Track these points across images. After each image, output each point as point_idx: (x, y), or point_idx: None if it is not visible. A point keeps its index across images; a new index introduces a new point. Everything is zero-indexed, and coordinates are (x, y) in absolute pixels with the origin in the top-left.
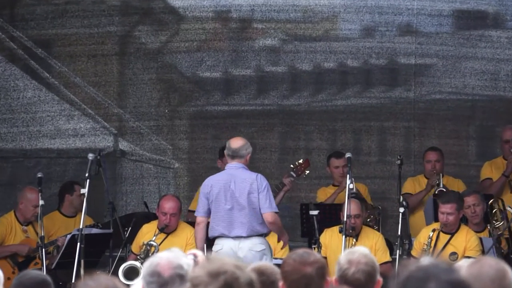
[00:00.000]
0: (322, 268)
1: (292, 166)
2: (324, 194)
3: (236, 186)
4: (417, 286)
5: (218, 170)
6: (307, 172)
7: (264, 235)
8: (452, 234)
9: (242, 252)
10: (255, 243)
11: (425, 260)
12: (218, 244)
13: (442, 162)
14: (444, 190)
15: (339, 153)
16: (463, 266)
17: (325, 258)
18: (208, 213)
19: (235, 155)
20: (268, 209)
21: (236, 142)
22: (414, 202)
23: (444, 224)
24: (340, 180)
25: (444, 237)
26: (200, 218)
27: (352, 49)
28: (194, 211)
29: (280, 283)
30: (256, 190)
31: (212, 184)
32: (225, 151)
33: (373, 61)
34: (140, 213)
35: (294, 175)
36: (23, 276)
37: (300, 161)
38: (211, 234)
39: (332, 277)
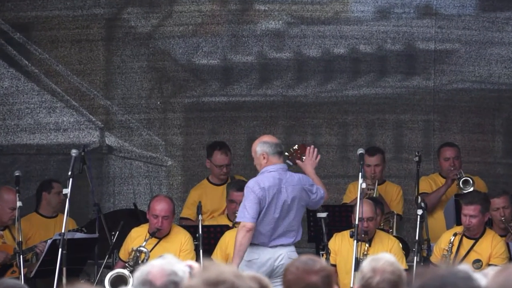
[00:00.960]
0: (329, 276)
1: (287, 154)
2: (354, 191)
3: (289, 193)
4: None
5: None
6: (304, 158)
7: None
8: (476, 240)
9: (282, 259)
10: (292, 251)
11: (442, 268)
12: (254, 253)
13: (461, 158)
14: (470, 179)
15: (373, 150)
16: (488, 274)
17: (335, 265)
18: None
19: (283, 149)
20: (323, 196)
21: (274, 138)
22: (433, 200)
23: (467, 227)
24: (372, 180)
25: (467, 243)
26: (251, 224)
27: (365, 33)
28: (186, 219)
29: None
30: (307, 196)
31: (266, 188)
32: (269, 151)
33: (388, 47)
34: (124, 210)
35: (291, 163)
36: None
37: (295, 147)
38: (252, 241)
39: (342, 286)
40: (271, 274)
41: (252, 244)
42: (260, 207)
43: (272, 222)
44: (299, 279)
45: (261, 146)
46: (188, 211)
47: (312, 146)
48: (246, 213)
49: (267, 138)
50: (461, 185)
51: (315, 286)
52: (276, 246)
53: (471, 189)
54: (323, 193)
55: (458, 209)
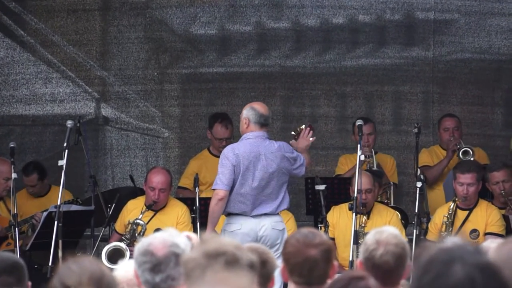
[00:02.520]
0: (329, 251)
1: (293, 133)
2: (345, 163)
3: (268, 161)
4: (441, 269)
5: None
6: (311, 139)
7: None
8: (471, 210)
9: (265, 230)
10: (277, 221)
11: (449, 241)
12: (236, 224)
13: (461, 130)
14: (470, 149)
15: (364, 119)
16: (490, 247)
17: (333, 239)
18: (232, 186)
19: (267, 122)
20: (304, 165)
21: (265, 108)
22: (435, 173)
23: (464, 196)
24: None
25: (462, 214)
26: (224, 192)
27: (364, 3)
28: (184, 188)
29: (281, 265)
30: (289, 164)
31: (240, 155)
32: (251, 118)
33: (387, 17)
34: (125, 188)
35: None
36: None
37: (302, 126)
38: (230, 210)
39: (340, 260)
40: None
41: (234, 214)
42: (234, 174)
43: (252, 191)
44: (298, 252)
45: (247, 111)
46: (186, 181)
47: (308, 129)
48: (218, 180)
49: (256, 105)
50: (460, 156)
51: (314, 259)
52: (259, 215)
53: (472, 159)
54: (303, 159)
55: None
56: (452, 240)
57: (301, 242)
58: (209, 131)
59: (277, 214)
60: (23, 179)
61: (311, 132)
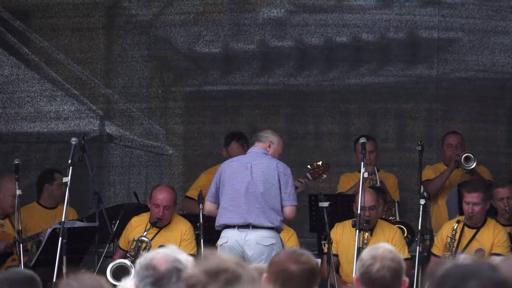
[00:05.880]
0: (311, 271)
1: (309, 166)
2: (347, 182)
3: (253, 167)
4: (456, 285)
5: (217, 157)
6: (325, 176)
7: (275, 229)
8: (478, 229)
9: (249, 246)
10: (264, 236)
11: (464, 258)
12: (223, 237)
13: (464, 147)
14: (471, 155)
15: (367, 137)
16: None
17: (336, 255)
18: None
19: (256, 139)
20: (290, 202)
21: (264, 130)
22: (437, 185)
23: (470, 216)
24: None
25: (469, 232)
26: (208, 201)
27: (367, 21)
28: (191, 198)
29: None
30: (276, 179)
31: (224, 165)
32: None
33: (391, 35)
34: (129, 204)
35: (310, 177)
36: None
37: (319, 163)
38: (220, 222)
39: (343, 276)
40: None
41: (226, 226)
42: (219, 184)
43: (234, 198)
44: (280, 262)
45: None
46: (194, 192)
47: None
48: (208, 191)
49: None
50: (463, 162)
51: (290, 273)
52: (246, 228)
53: (474, 165)
54: (291, 215)
55: (461, 199)
56: (458, 258)
57: (287, 255)
58: (224, 149)
59: (269, 229)
60: (54, 179)
61: None
